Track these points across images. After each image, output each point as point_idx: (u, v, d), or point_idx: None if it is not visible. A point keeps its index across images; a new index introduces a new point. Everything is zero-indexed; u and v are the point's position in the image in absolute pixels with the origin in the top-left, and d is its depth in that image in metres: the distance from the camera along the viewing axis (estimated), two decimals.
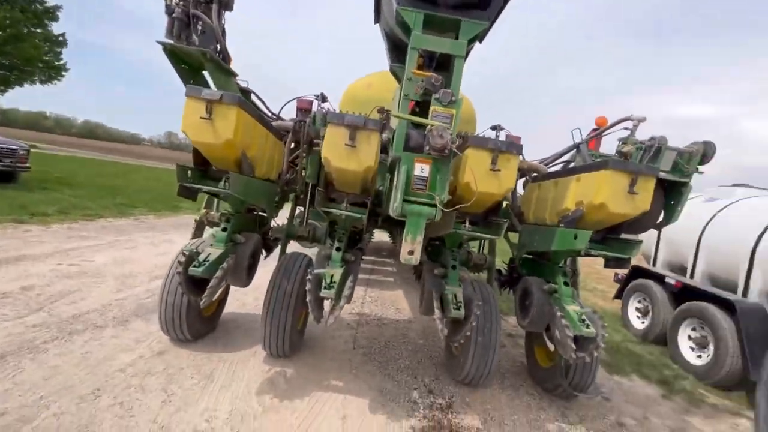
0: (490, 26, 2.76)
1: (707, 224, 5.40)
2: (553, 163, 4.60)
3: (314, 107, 4.54)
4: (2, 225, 6.83)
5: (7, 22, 22.04)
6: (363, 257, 3.46)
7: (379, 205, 3.59)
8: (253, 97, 3.97)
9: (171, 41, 2.92)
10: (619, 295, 6.61)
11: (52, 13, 25.31)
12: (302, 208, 4.20)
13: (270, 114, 4.27)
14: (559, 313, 3.08)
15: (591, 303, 7.98)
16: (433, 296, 3.17)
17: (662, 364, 5.01)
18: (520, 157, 4.61)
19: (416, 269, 4.12)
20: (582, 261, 3.98)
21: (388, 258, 9.25)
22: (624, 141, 3.60)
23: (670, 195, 3.37)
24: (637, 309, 6.12)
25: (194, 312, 3.40)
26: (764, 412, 3.32)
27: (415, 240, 2.54)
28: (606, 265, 3.31)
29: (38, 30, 24.86)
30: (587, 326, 2.86)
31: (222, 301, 4.03)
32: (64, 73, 26.98)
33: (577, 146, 4.10)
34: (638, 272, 6.29)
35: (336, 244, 3.37)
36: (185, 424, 2.56)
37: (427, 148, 2.52)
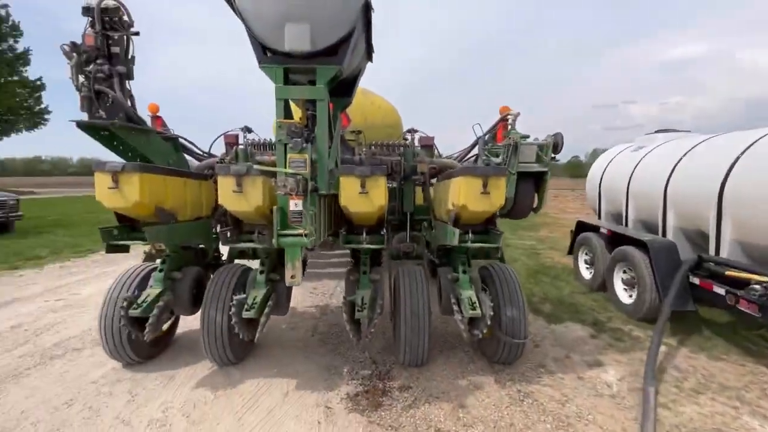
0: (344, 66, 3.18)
1: (632, 172, 5.74)
2: (465, 159, 5.00)
3: (240, 139, 4.98)
4: None
5: None
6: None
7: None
8: (184, 141, 4.46)
9: (83, 119, 3.26)
10: (571, 251, 6.99)
11: (23, 58, 25.89)
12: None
13: (200, 153, 4.71)
14: (453, 300, 3.56)
15: (556, 261, 8.38)
16: (451, 300, 3.55)
17: (601, 309, 5.43)
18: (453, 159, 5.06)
19: (431, 267, 4.47)
20: (556, 221, 4.48)
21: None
22: (508, 134, 4.02)
23: (538, 184, 3.98)
24: (585, 261, 6.51)
25: (137, 341, 3.62)
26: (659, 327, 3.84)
27: (294, 266, 3.07)
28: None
29: (14, 77, 25.41)
30: (474, 308, 3.35)
31: (172, 326, 4.33)
32: (47, 116, 27.66)
33: (476, 140, 4.48)
34: (582, 227, 6.66)
35: (362, 268, 3.93)
36: (143, 417, 3.06)
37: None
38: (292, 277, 3.06)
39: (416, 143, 5.12)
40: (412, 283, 3.58)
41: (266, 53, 3.16)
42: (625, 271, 5.27)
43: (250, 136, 5.04)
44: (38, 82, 26.69)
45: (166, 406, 3.19)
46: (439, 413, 3.13)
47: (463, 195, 3.14)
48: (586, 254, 6.49)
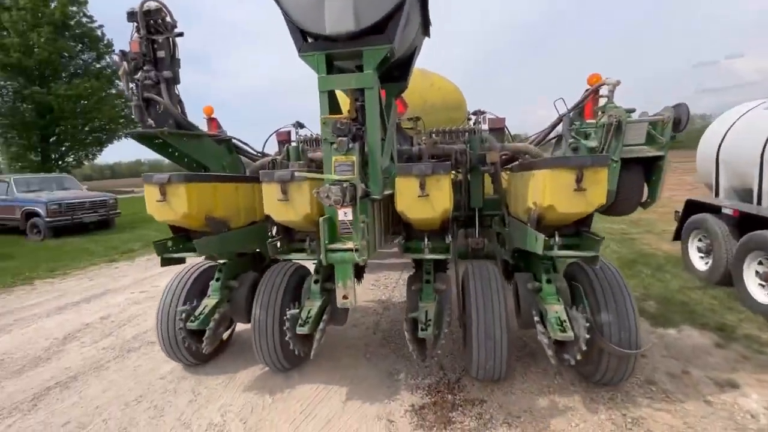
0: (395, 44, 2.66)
1: None
2: (544, 142, 4.24)
3: (293, 136, 4.73)
4: (98, 266, 8.25)
5: (89, 91, 25.75)
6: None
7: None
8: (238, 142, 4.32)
9: (138, 129, 3.24)
10: (678, 236, 5.81)
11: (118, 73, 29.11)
12: None
13: (254, 153, 4.57)
14: (536, 316, 2.94)
15: (655, 248, 7.14)
16: (533, 315, 2.97)
17: (725, 309, 4.36)
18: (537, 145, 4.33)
19: (505, 267, 3.88)
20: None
21: None
22: (603, 110, 3.21)
23: (650, 171, 3.04)
24: (699, 249, 5.34)
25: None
26: None
27: (346, 285, 2.67)
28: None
29: (112, 91, 28.71)
30: (563, 329, 2.70)
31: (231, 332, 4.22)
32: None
33: (560, 119, 3.73)
34: (694, 206, 5.46)
35: (425, 277, 3.39)
36: (203, 419, 2.98)
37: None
38: (344, 297, 2.67)
39: (484, 127, 4.48)
40: (485, 287, 3.01)
41: (306, 39, 2.77)
42: (761, 263, 4.16)
43: (302, 131, 4.81)
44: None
45: (225, 409, 3.09)
46: None
47: (549, 192, 2.52)
48: (700, 240, 5.32)
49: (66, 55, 25.98)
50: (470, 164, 3.77)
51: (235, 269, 3.73)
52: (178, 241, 3.41)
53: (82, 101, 25.92)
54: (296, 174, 2.61)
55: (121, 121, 28.56)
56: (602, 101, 3.23)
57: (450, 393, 3.16)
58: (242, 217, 3.56)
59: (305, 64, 2.76)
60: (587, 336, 2.64)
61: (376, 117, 2.65)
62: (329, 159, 2.57)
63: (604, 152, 2.84)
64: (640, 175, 3.03)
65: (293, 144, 4.45)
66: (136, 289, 6.37)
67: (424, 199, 2.68)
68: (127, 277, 7.21)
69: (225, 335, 3.92)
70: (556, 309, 2.87)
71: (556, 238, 2.78)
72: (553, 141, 4.22)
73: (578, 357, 2.69)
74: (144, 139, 3.34)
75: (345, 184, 2.39)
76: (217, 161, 3.82)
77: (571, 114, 3.62)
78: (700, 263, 5.28)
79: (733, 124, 5.18)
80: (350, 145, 2.44)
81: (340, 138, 2.46)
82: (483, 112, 4.48)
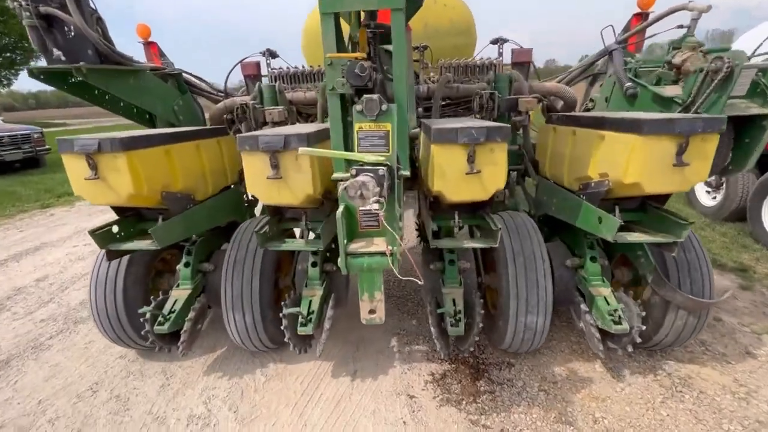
0: None
1: None
2: (576, 80, 3.46)
3: (263, 69, 3.61)
4: (29, 213, 7.01)
5: None
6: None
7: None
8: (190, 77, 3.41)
9: (40, 64, 2.33)
10: None
11: None
12: None
13: (214, 92, 3.53)
14: (582, 303, 2.41)
15: None
16: (575, 297, 2.47)
17: (740, 247, 4.20)
18: (554, 80, 3.46)
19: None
20: None
21: None
22: (677, 46, 2.43)
23: (743, 131, 2.33)
24: (707, 182, 5.10)
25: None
26: None
27: (374, 298, 1.89)
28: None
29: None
30: (617, 321, 2.21)
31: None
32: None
33: (608, 53, 2.93)
34: None
35: (448, 255, 2.62)
36: (181, 411, 2.41)
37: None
38: (371, 312, 1.91)
39: (505, 60, 3.62)
40: (525, 245, 2.39)
41: None
42: None
43: (274, 63, 3.70)
44: None
45: (208, 395, 2.53)
46: (564, 410, 2.27)
47: (637, 166, 1.88)
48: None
49: None
50: (498, 111, 2.91)
51: (208, 247, 2.90)
52: (127, 224, 2.48)
53: None
54: (300, 150, 1.65)
55: None
56: (663, 34, 2.52)
57: (470, 355, 2.77)
58: (210, 184, 2.72)
59: None
60: (642, 327, 2.23)
61: (404, 56, 1.69)
62: (338, 127, 1.70)
63: (696, 107, 2.18)
64: (729, 134, 2.38)
65: (265, 82, 3.43)
66: (79, 242, 5.39)
67: (473, 177, 1.93)
68: (67, 226, 6.14)
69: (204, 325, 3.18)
70: (603, 293, 2.37)
71: (616, 213, 2.16)
72: (588, 80, 3.52)
73: (630, 348, 2.29)
74: (52, 78, 2.42)
75: (381, 170, 1.52)
76: (164, 105, 2.98)
77: (622, 47, 2.90)
78: (707, 198, 5.06)
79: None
80: (383, 107, 1.53)
81: (367, 97, 1.52)
82: (505, 40, 3.60)
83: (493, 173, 1.94)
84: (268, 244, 2.20)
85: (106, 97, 2.78)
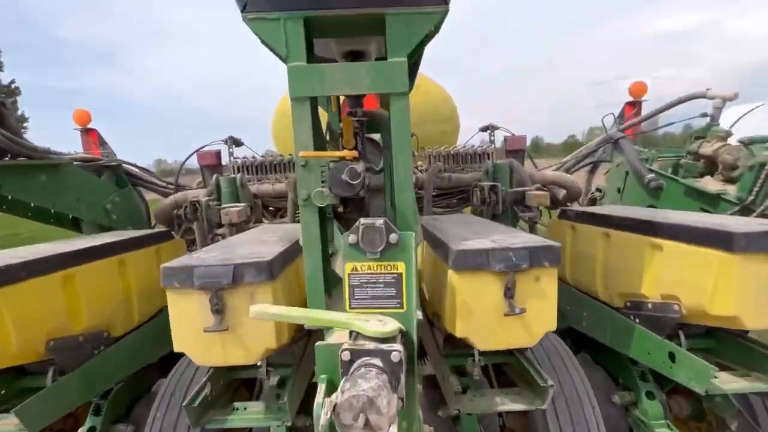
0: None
1: None
2: (574, 169, 3.28)
3: (224, 158, 3.19)
4: None
5: None
6: None
7: None
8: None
9: None
10: None
11: None
12: None
13: (161, 184, 3.07)
14: None
15: None
16: None
17: None
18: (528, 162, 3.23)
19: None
20: None
21: None
22: (700, 135, 2.23)
23: None
24: None
25: None
26: None
27: None
28: None
29: None
30: None
31: None
32: (25, 125, 25.87)
33: (614, 141, 2.74)
34: None
35: None
36: None
37: None
38: None
39: (492, 147, 3.38)
40: (563, 380, 1.74)
41: None
42: None
43: (238, 151, 3.26)
44: (12, 86, 24.86)
45: None
46: None
47: (735, 293, 1.39)
48: None
49: None
50: (503, 205, 2.49)
51: (128, 396, 2.06)
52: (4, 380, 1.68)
53: None
54: (252, 311, 1.01)
55: None
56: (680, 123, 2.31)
57: None
58: (136, 312, 2.02)
59: (259, 38, 1.13)
60: None
61: (408, 154, 1.17)
62: (317, 255, 1.16)
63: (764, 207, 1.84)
64: None
65: (227, 174, 2.93)
66: None
67: (514, 320, 1.34)
68: None
69: None
70: None
71: (682, 339, 1.66)
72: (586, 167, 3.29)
73: None
74: None
75: (395, 353, 0.87)
76: (91, 204, 2.43)
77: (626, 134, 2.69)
78: None
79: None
80: (392, 237, 0.97)
81: (367, 223, 0.98)
82: (495, 128, 3.39)
83: (541, 311, 1.36)
84: (205, 421, 1.47)
85: (9, 201, 2.15)
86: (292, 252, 1.57)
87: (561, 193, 3.03)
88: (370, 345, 0.89)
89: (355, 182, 1.06)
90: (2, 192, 1.90)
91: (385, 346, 0.88)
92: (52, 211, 2.42)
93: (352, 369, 0.84)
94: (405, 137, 1.18)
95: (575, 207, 2.65)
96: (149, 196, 3.13)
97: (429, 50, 1.42)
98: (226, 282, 1.26)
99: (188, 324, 1.31)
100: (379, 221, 0.97)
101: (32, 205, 2.30)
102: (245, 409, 1.56)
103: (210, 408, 1.54)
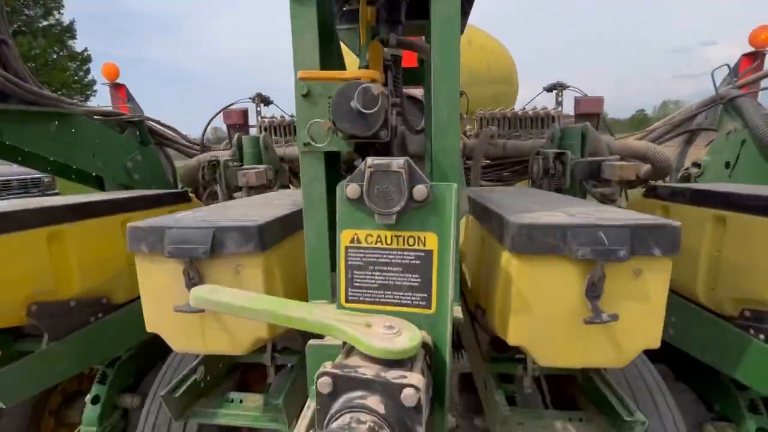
0: None
1: None
2: (666, 137, 2.67)
3: (251, 117, 2.94)
4: None
5: (36, 52, 22.65)
6: None
7: None
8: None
9: None
10: None
11: (70, 31, 25.69)
12: None
13: (186, 144, 2.89)
14: None
15: None
16: None
17: None
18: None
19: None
20: None
21: None
22: None
23: None
24: None
25: None
26: None
27: None
28: None
29: (62, 52, 25.50)
30: None
31: None
32: (96, 88, 27.80)
33: (724, 102, 2.11)
34: None
35: None
36: None
37: None
38: None
39: (564, 111, 2.87)
40: (645, 405, 1.36)
41: None
42: None
43: (266, 110, 3.01)
44: (85, 53, 26.63)
45: None
46: None
47: None
48: None
49: (7, 8, 22.71)
50: (570, 176, 2.01)
51: (136, 367, 1.96)
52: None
53: (27, 64, 22.87)
54: (196, 294, 0.76)
55: (75, 86, 25.52)
56: None
57: None
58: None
59: None
60: None
61: (455, 82, 0.81)
62: (322, 221, 0.93)
63: None
64: None
65: (253, 130, 2.72)
66: None
67: (599, 330, 0.94)
68: None
69: None
70: None
71: None
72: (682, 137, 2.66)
73: None
74: None
75: (408, 384, 0.52)
76: (110, 161, 2.29)
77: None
78: None
79: None
80: (418, 190, 0.62)
81: (376, 164, 0.63)
82: (565, 87, 2.83)
83: (640, 321, 0.94)
84: (190, 413, 1.24)
85: (24, 152, 2.03)
86: (299, 220, 1.27)
87: (643, 168, 2.47)
88: (369, 370, 0.55)
89: (369, 111, 0.70)
90: (2, 138, 1.75)
91: (392, 375, 0.54)
92: (74, 167, 2.31)
93: (331, 412, 0.51)
94: (451, 53, 0.79)
95: (666, 184, 2.10)
96: (180, 162, 3.01)
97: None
98: (202, 250, 0.98)
99: (161, 300, 1.06)
100: (399, 162, 0.60)
101: (51, 159, 2.20)
102: (241, 402, 1.32)
103: (202, 396, 1.32)
